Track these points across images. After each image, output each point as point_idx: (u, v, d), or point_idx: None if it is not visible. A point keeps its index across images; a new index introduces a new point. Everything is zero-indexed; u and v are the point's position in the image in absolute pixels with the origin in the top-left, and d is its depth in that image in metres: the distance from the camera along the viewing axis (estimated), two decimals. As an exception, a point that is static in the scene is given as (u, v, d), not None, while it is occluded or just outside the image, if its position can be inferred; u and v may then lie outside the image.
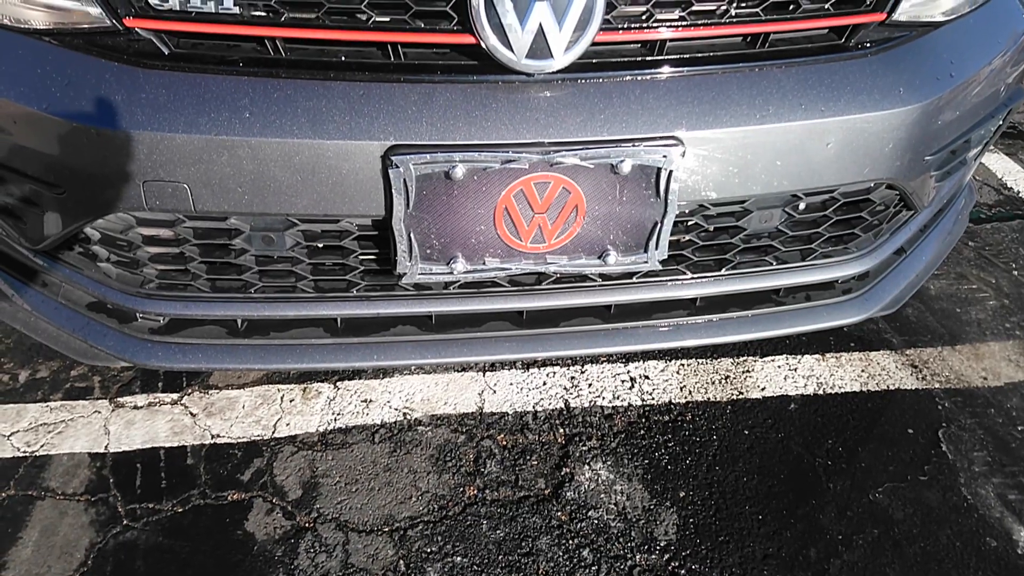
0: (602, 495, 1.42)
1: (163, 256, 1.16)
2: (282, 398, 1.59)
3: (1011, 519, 1.43)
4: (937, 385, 1.73)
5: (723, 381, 1.69)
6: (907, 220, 1.41)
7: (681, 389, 1.66)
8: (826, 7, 1.13)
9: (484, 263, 1.14)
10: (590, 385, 1.65)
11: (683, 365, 1.72)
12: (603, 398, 1.62)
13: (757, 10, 1.10)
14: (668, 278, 1.26)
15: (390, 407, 1.58)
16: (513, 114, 1.05)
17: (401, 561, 1.30)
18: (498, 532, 1.35)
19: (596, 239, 1.15)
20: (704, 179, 1.12)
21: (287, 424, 1.53)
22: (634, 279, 1.25)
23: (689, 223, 1.21)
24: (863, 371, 1.75)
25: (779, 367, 1.74)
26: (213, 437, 1.50)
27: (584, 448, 1.51)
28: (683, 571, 1.32)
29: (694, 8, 1.08)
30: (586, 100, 1.06)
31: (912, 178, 1.26)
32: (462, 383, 1.64)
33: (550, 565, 1.31)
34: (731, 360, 1.74)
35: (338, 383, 1.63)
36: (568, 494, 1.42)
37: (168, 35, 1.03)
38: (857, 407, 1.66)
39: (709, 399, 1.64)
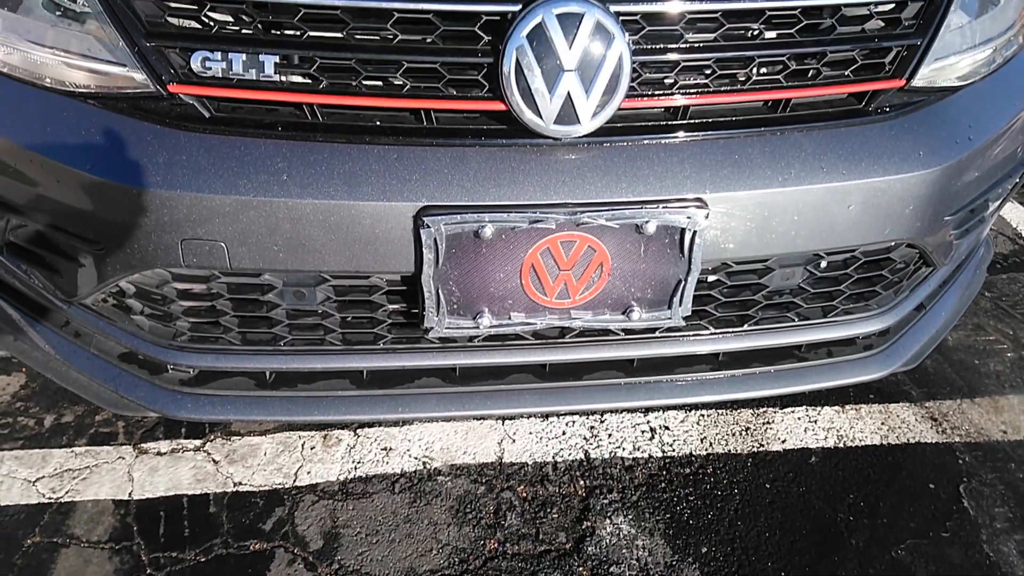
0: (624, 550, 1.42)
1: (196, 310, 1.19)
2: (303, 445, 1.60)
3: (1036, 578, 1.42)
4: (957, 439, 1.72)
5: (743, 433, 1.69)
6: (926, 276, 1.42)
7: (701, 440, 1.66)
8: (846, 74, 1.16)
9: (510, 318, 1.16)
10: (610, 435, 1.66)
11: (703, 416, 1.72)
12: (623, 449, 1.63)
13: (778, 77, 1.14)
14: (691, 333, 1.27)
15: (410, 456, 1.59)
16: (541, 176, 1.08)
17: (422, 614, 1.30)
18: (520, 586, 1.35)
19: (620, 295, 1.17)
20: (728, 239, 1.14)
21: (308, 472, 1.54)
22: (657, 333, 1.27)
23: (712, 280, 1.22)
24: (883, 424, 1.74)
25: (799, 419, 1.74)
26: (235, 485, 1.51)
27: (605, 501, 1.51)
28: (705, 628, 1.31)
29: (717, 75, 1.11)
30: (612, 163, 1.09)
31: (932, 237, 1.28)
32: (481, 432, 1.65)
33: (571, 620, 1.31)
34: (751, 411, 1.74)
35: (358, 430, 1.64)
36: (590, 548, 1.42)
37: (209, 100, 1.07)
38: (878, 461, 1.65)
39: (730, 451, 1.64)
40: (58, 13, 1.06)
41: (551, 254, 1.11)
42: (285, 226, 1.06)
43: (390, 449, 1.60)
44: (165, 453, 1.57)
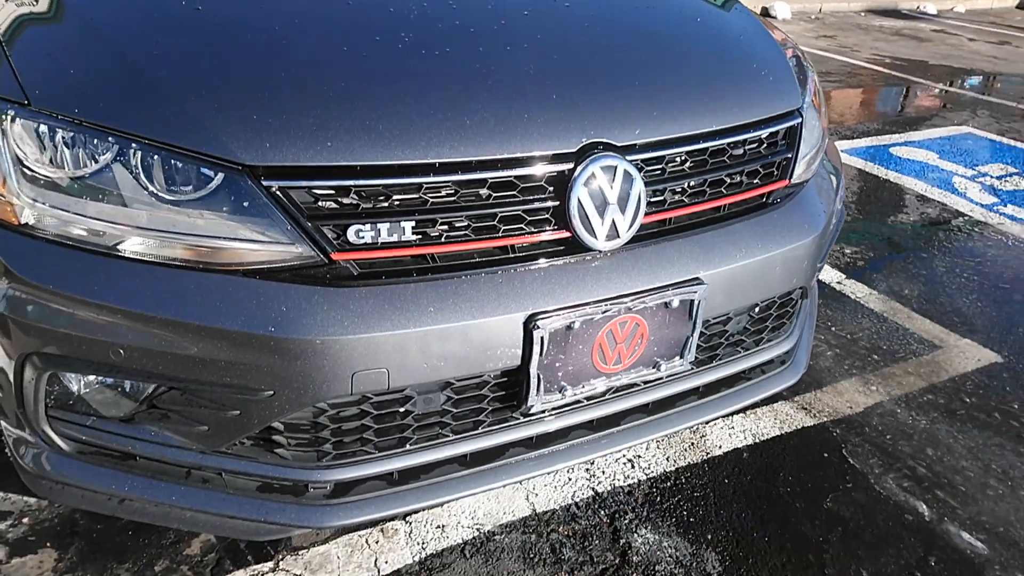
0: (657, 552, 1.83)
1: (343, 430, 1.43)
2: (367, 542, 1.81)
3: (912, 498, 2.06)
4: (826, 419, 2.37)
5: (692, 447, 2.19)
6: (801, 306, 2.04)
7: (667, 460, 2.13)
8: (755, 181, 1.74)
9: (583, 386, 1.55)
10: (603, 472, 2.07)
11: (658, 442, 2.19)
12: (618, 480, 2.04)
13: (721, 189, 1.68)
14: (687, 373, 1.74)
15: (462, 527, 1.87)
16: (602, 278, 1.49)
17: (535, 643, 1.60)
18: (600, 599, 1.70)
19: (652, 355, 1.61)
20: (713, 302, 1.63)
21: (386, 562, 1.76)
22: (663, 379, 1.72)
23: (701, 333, 1.71)
24: (775, 419, 2.34)
25: (722, 428, 2.28)
26: (330, 589, 1.69)
27: (626, 521, 1.91)
28: (736, 590, 1.76)
29: (691, 193, 1.62)
30: (644, 261, 1.54)
31: (812, 279, 1.89)
32: (507, 494, 1.97)
33: (645, 613, 1.69)
34: (689, 431, 2.25)
35: (407, 518, 1.88)
36: (633, 558, 1.81)
37: (358, 261, 1.35)
38: (785, 446, 2.24)
39: (690, 463, 2.13)
40: (225, 208, 1.29)
41: (612, 333, 1.52)
42: (433, 347, 1.37)
43: (444, 526, 1.87)
44: (247, 580, 1.70)
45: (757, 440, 2.25)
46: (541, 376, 1.49)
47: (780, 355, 1.96)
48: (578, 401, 1.61)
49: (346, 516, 1.46)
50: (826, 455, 2.21)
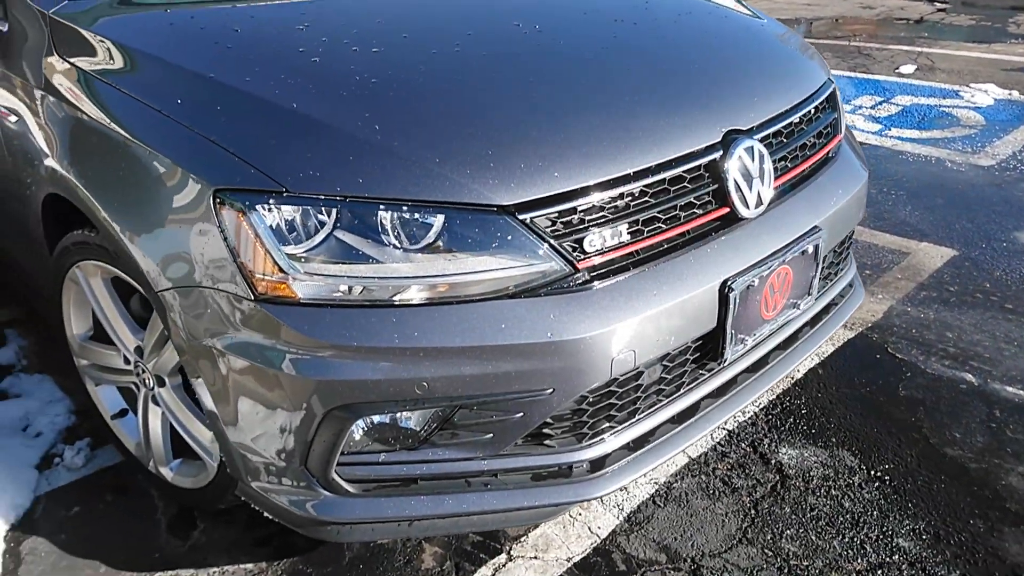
0: (803, 463, 2.18)
1: (596, 412, 1.66)
2: (572, 517, 2.04)
3: (957, 372, 2.53)
4: (861, 329, 2.81)
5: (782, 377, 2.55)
6: (847, 237, 2.44)
7: (769, 392, 2.48)
8: (823, 140, 2.11)
9: (755, 334, 1.86)
10: (723, 414, 2.39)
11: (750, 379, 2.54)
12: (739, 416, 2.37)
13: (806, 152, 2.03)
14: (809, 307, 2.09)
15: (640, 484, 2.13)
16: (757, 240, 1.81)
17: (764, 551, 1.90)
18: (786, 510, 2.02)
19: (793, 296, 1.94)
20: (827, 243, 1.99)
21: (599, 527, 2.00)
22: (796, 316, 2.05)
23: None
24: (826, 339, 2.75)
25: (791, 356, 2.66)
26: (568, 560, 1.91)
27: (766, 446, 2.25)
28: (875, 471, 2.13)
29: (789, 159, 1.97)
30: (781, 219, 1.87)
31: (863, 211, 2.29)
32: (658, 451, 2.25)
33: (827, 511, 2.03)
34: (768, 364, 2.61)
35: (591, 491, 2.12)
36: (790, 472, 2.15)
37: (589, 268, 1.59)
38: (844, 357, 2.65)
39: (784, 389, 2.49)
40: (494, 244, 1.49)
41: (772, 284, 1.84)
42: (662, 324, 1.63)
43: (625, 487, 2.12)
44: (496, 574, 1.89)
45: (822, 358, 2.65)
46: (733, 331, 1.78)
47: (850, 280, 2.35)
48: (750, 348, 1.91)
49: (609, 485, 1.69)
50: (878, 356, 2.65)
